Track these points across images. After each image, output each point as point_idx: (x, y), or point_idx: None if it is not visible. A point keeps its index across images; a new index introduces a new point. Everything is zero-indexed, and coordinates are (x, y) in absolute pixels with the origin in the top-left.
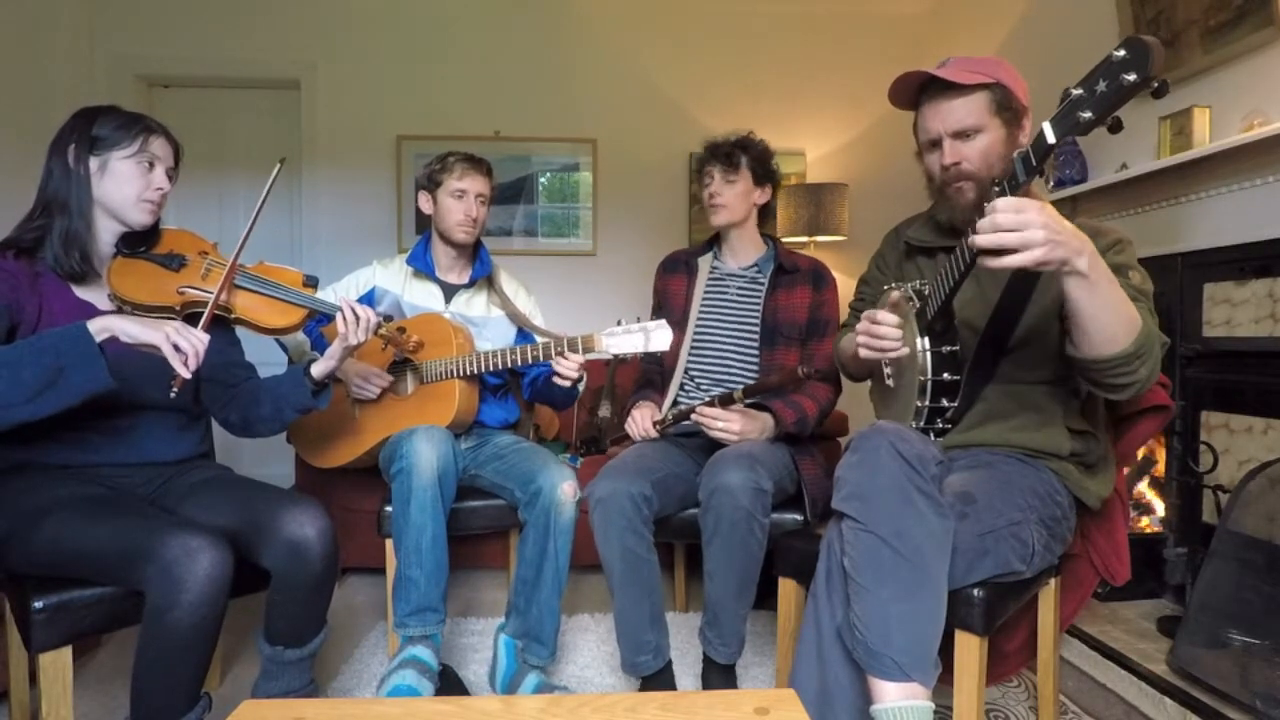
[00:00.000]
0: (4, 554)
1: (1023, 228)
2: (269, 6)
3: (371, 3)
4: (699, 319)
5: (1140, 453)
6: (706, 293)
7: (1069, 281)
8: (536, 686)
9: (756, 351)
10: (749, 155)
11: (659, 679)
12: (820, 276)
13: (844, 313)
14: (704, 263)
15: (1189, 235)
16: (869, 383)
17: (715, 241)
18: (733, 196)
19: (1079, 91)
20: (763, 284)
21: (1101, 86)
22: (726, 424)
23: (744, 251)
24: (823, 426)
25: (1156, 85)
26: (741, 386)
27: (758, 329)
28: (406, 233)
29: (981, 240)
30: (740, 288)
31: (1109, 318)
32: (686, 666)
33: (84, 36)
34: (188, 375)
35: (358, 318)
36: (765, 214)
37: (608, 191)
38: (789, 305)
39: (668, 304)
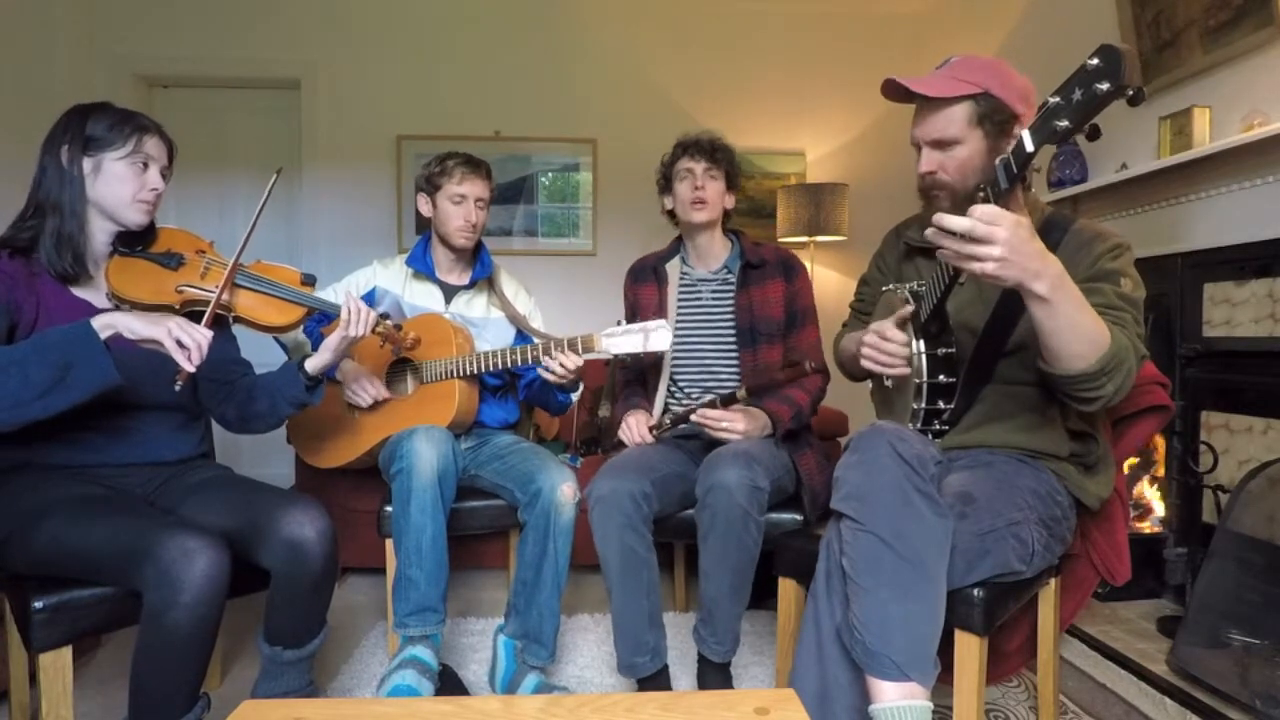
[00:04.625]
0: (4, 554)
1: (986, 240)
2: (269, 6)
3: (371, 3)
4: (677, 327)
5: (1140, 453)
6: (680, 300)
7: (1029, 301)
8: (536, 687)
9: (736, 353)
10: (726, 155)
11: (655, 681)
12: (790, 267)
13: (844, 313)
14: (672, 269)
15: (1189, 235)
16: (869, 383)
17: (680, 244)
18: (715, 193)
19: (1056, 100)
20: (733, 284)
21: (1077, 95)
22: (731, 424)
23: (712, 254)
24: (822, 426)
25: (1131, 93)
26: (743, 385)
27: (734, 330)
28: (407, 233)
29: (948, 246)
30: (713, 291)
31: (1071, 338)
32: (685, 667)
33: (84, 36)
34: (191, 369)
35: (358, 308)
36: (728, 215)
37: (608, 191)
38: (763, 301)
39: (641, 314)
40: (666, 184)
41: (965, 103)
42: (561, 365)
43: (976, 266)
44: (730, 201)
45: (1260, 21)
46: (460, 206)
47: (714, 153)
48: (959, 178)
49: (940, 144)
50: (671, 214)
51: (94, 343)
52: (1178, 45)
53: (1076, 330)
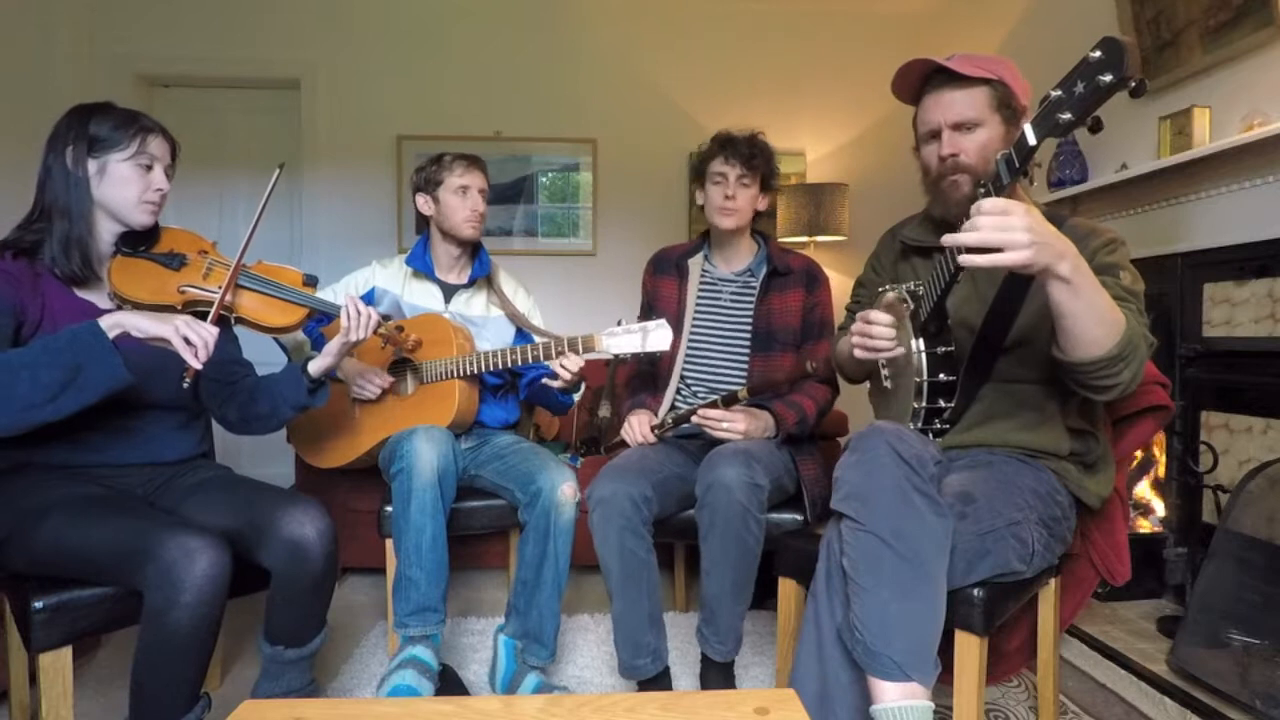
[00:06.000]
0: (4, 554)
1: (1007, 229)
2: (269, 6)
3: (371, 3)
4: (693, 325)
5: (1140, 453)
6: (699, 298)
7: (1051, 285)
8: (536, 687)
9: (747, 356)
10: (764, 159)
11: (656, 684)
12: (813, 277)
13: (841, 315)
14: (695, 265)
15: (1189, 235)
16: (868, 384)
17: (705, 240)
18: (746, 200)
19: (1058, 93)
20: (755, 288)
21: (1079, 88)
22: (731, 424)
23: (737, 255)
24: (822, 426)
25: (1134, 85)
26: (746, 385)
27: (750, 334)
28: (406, 233)
29: (969, 238)
30: (733, 293)
31: (1092, 321)
32: (686, 666)
33: (84, 36)
34: (199, 367)
35: (360, 314)
36: (758, 216)
37: (608, 191)
38: (783, 309)
39: (658, 306)
40: (700, 178)
41: (986, 86)
42: (564, 368)
43: (1009, 256)
44: (763, 204)
45: (1260, 21)
46: (466, 197)
47: (751, 158)
48: (980, 161)
49: (961, 126)
50: (703, 209)
51: (103, 342)
52: (1178, 45)
53: (1096, 313)
